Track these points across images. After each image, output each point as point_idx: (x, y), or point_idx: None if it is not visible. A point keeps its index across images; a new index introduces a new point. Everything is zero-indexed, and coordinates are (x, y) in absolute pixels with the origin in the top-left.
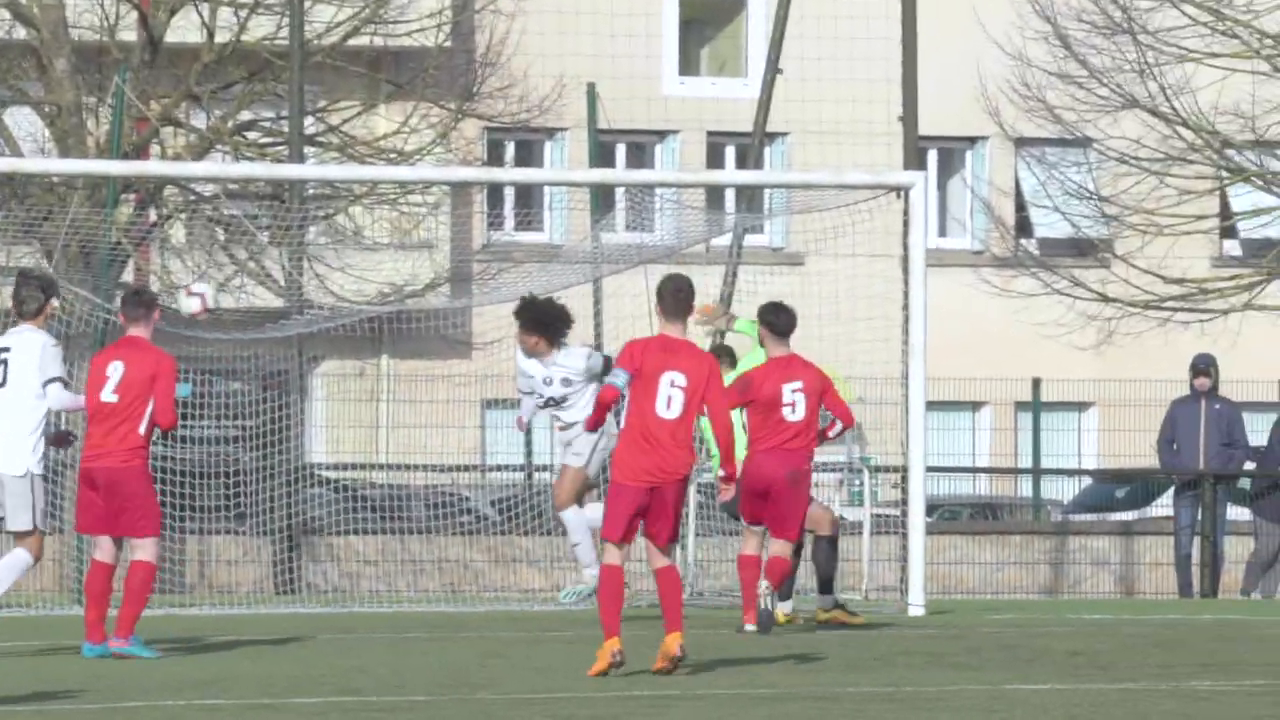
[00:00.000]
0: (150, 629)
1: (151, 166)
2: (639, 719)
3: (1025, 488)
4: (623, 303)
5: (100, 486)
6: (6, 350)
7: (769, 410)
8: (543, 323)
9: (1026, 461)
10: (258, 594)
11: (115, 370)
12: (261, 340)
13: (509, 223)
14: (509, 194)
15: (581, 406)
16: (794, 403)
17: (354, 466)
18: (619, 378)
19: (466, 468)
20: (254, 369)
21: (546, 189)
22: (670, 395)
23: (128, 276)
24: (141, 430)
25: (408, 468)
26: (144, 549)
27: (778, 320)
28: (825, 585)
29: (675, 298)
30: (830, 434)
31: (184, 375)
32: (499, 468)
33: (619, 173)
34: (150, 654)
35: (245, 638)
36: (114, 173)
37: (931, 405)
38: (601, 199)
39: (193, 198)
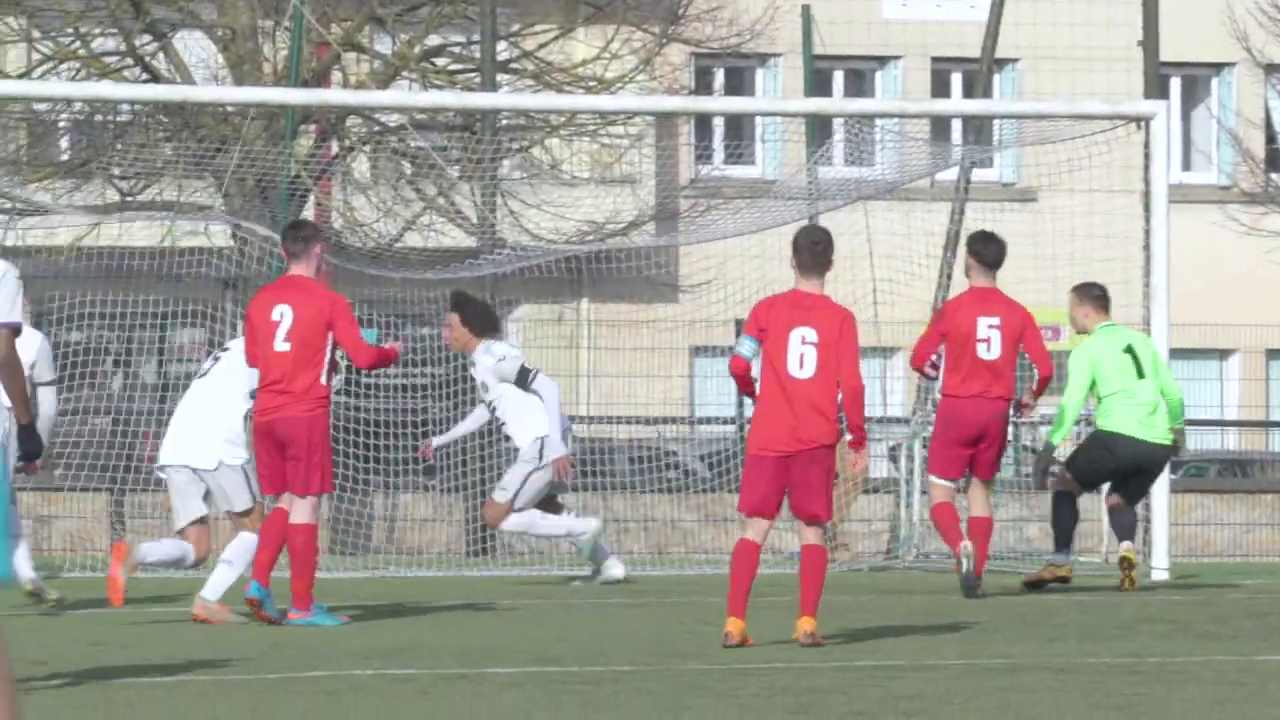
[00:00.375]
0: (334, 593)
1: (332, 95)
2: (864, 691)
3: (1278, 442)
4: (840, 242)
5: (282, 440)
6: (226, 350)
7: (963, 346)
8: (480, 314)
9: (1279, 414)
10: (450, 556)
11: (282, 315)
12: (452, 282)
13: (718, 156)
14: (718, 125)
15: (514, 419)
16: (989, 339)
17: None
18: (745, 346)
19: (673, 420)
20: (443, 313)
21: (758, 119)
22: (802, 353)
23: (308, 213)
24: (324, 379)
25: (610, 420)
26: (302, 510)
27: (985, 250)
28: (1126, 535)
29: (811, 250)
30: (1034, 397)
31: (368, 320)
32: (709, 420)
33: (836, 102)
34: (334, 621)
35: (437, 603)
36: (292, 102)
37: (1175, 353)
38: (817, 130)
39: (377, 129)
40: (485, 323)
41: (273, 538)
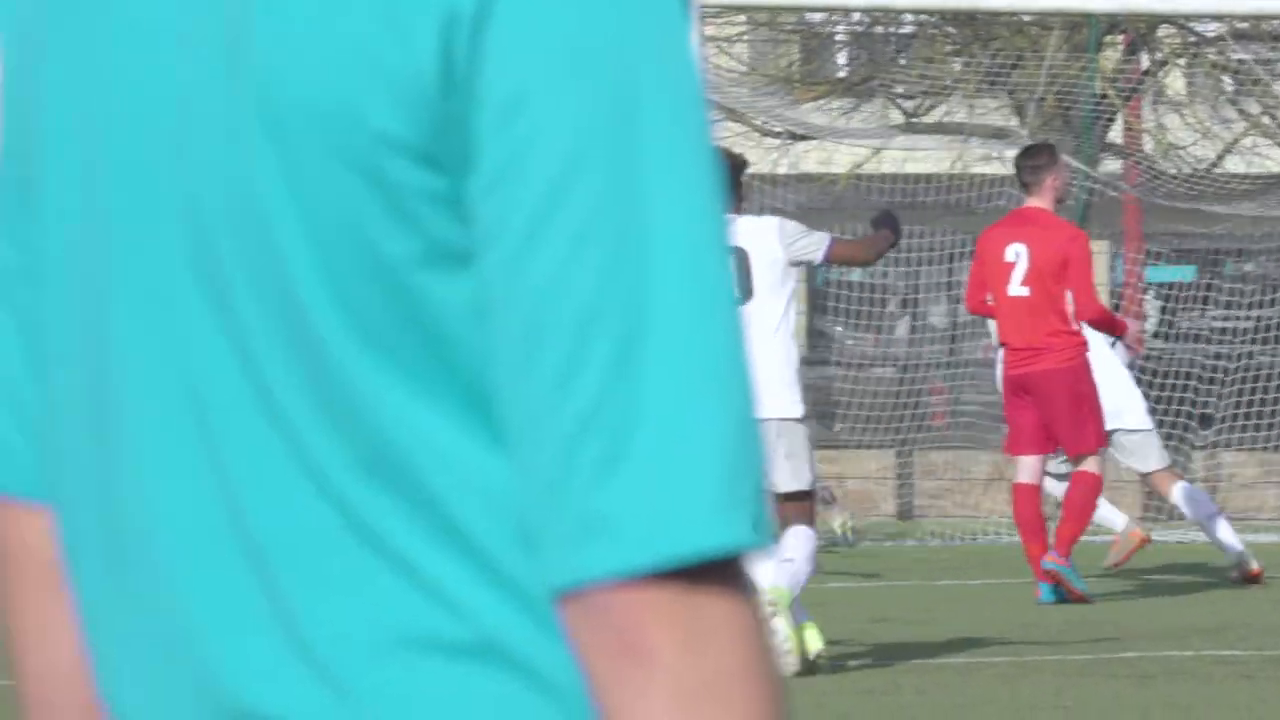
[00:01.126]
0: (1150, 561)
1: (1142, 1)
2: None
3: None
4: None
5: (1035, 395)
6: None
7: None
8: None
9: None
10: None
11: (1017, 255)
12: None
13: None
14: None
15: None
16: None
17: None
18: None
19: None
20: (1271, 248)
21: None
22: None
23: (1115, 136)
24: (1073, 323)
25: None
26: (1090, 460)
27: None
28: None
29: None
30: None
31: (1175, 258)
32: None
33: None
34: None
35: (1270, 574)
36: (1096, 10)
37: None
38: None
39: (1193, 39)
40: None
41: (1031, 523)
